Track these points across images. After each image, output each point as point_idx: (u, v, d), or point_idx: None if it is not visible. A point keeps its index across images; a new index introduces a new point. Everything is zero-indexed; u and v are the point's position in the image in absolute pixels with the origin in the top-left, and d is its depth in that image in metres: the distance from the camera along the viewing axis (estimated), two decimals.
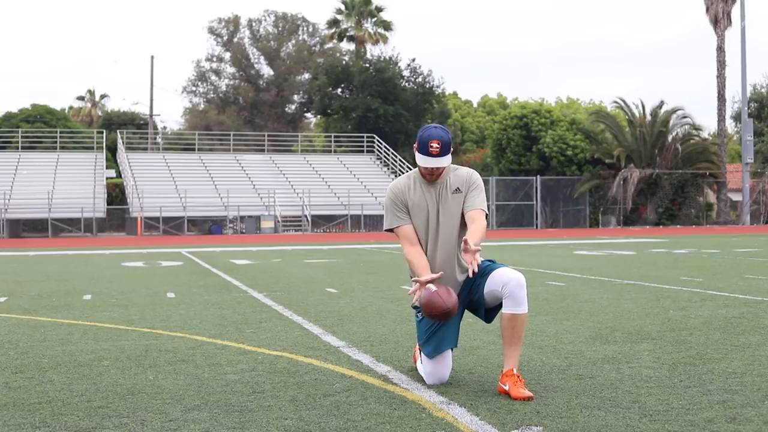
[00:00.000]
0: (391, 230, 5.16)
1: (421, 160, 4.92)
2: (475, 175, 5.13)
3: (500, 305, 4.88)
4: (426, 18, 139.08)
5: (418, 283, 4.84)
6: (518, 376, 4.69)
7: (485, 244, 26.27)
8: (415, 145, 4.97)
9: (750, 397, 4.54)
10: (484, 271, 4.91)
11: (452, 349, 5.13)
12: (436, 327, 5.00)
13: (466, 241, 4.65)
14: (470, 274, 4.66)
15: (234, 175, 49.98)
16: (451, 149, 4.98)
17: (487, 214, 5.06)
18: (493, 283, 4.87)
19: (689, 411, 4.25)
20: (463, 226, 5.04)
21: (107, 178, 49.30)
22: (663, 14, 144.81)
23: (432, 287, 4.79)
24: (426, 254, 5.07)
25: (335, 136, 58.34)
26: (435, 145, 4.85)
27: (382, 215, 41.44)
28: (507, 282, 4.79)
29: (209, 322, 7.91)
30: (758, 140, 57.68)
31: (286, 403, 4.54)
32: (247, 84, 78.76)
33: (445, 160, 4.90)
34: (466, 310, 5.18)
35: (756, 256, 17.49)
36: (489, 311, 5.06)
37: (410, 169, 51.40)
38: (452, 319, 4.98)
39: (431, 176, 5.01)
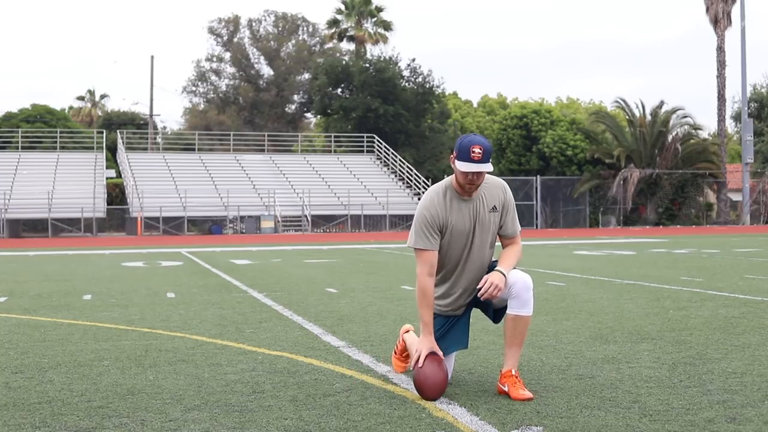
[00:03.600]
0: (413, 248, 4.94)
1: (463, 166, 4.67)
2: (509, 193, 5.01)
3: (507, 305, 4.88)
4: (426, 18, 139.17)
5: (418, 355, 4.80)
6: (517, 377, 4.68)
7: None
8: (452, 156, 4.77)
9: (750, 397, 4.53)
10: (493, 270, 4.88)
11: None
12: (448, 327, 4.99)
13: (490, 286, 4.67)
14: (478, 295, 4.72)
15: (234, 175, 49.98)
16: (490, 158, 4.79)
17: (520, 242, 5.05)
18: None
19: (689, 411, 4.25)
20: (492, 245, 4.99)
21: (107, 178, 49.31)
22: (663, 14, 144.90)
23: (421, 364, 4.72)
24: (451, 276, 4.97)
25: (335, 136, 58.33)
26: (477, 150, 4.66)
27: (382, 215, 41.24)
28: (514, 283, 4.77)
29: (209, 322, 7.91)
30: (758, 140, 57.71)
31: (286, 403, 4.54)
32: (247, 84, 78.75)
33: (488, 167, 4.68)
34: (474, 308, 5.15)
35: (756, 256, 17.49)
36: (497, 312, 5.02)
37: (411, 170, 51.27)
38: (462, 320, 5.00)
39: (470, 186, 4.78)
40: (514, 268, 4.85)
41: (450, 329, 4.99)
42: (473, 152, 4.65)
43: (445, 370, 4.76)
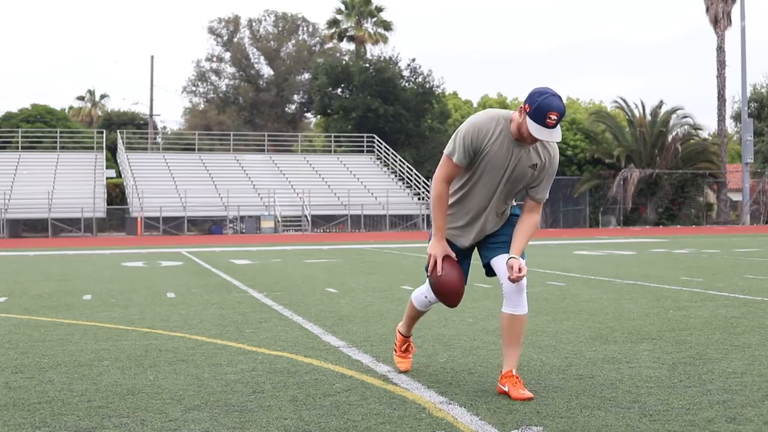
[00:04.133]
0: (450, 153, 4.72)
1: (534, 129, 4.43)
2: (557, 160, 4.80)
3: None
4: (426, 18, 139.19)
5: (433, 259, 4.79)
6: (517, 377, 4.67)
7: None
8: (525, 107, 4.49)
9: (750, 397, 4.53)
10: (498, 242, 4.88)
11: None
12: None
13: (511, 267, 4.64)
14: (509, 278, 4.68)
15: (234, 175, 49.98)
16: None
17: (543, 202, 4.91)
18: (498, 267, 4.84)
19: (689, 411, 4.25)
20: (516, 195, 4.89)
21: (107, 178, 49.32)
22: (663, 14, 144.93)
23: (440, 270, 4.75)
24: (465, 193, 4.83)
25: (335, 136, 58.33)
26: (554, 117, 4.41)
27: (382, 215, 41.26)
28: (507, 284, 4.76)
29: (209, 322, 7.91)
30: (758, 140, 57.72)
31: (286, 403, 4.54)
32: (247, 84, 78.77)
33: (558, 135, 4.50)
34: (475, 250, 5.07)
35: (756, 256, 17.49)
36: (488, 271, 4.99)
37: (411, 170, 51.27)
38: (462, 259, 4.95)
39: (528, 141, 4.59)
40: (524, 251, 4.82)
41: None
42: (549, 118, 4.41)
43: (461, 274, 4.77)
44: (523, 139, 4.57)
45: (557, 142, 4.62)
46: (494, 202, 4.81)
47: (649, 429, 3.93)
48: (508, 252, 4.80)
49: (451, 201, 4.87)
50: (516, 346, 4.78)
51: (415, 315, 5.34)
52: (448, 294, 4.77)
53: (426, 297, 5.15)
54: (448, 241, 4.91)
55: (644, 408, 4.32)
